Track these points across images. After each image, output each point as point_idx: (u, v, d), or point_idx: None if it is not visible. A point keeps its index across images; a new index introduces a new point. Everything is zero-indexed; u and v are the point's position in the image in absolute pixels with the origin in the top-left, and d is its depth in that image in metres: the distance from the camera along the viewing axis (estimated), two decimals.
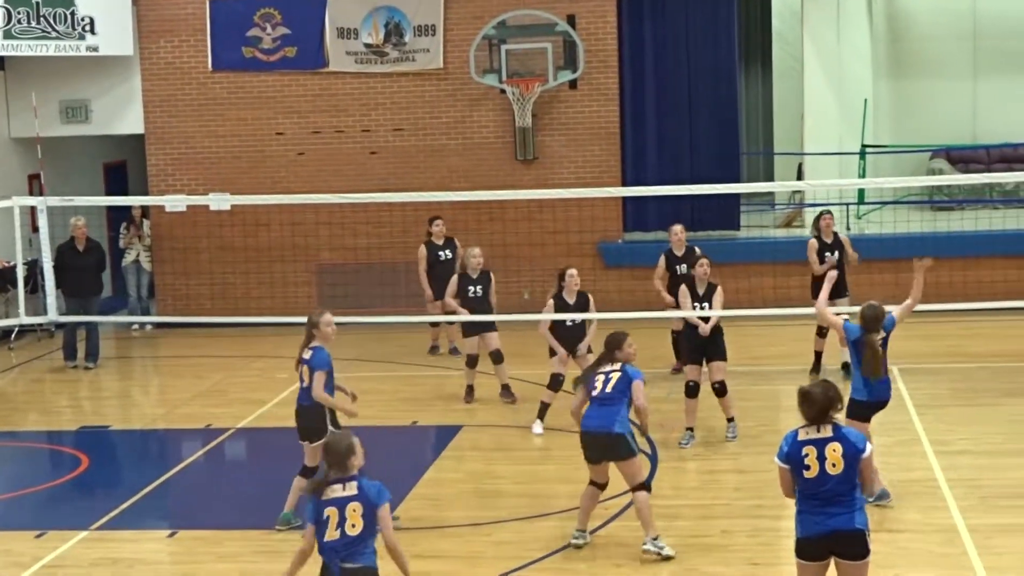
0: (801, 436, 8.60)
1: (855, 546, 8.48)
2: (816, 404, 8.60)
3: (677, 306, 15.73)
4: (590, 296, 15.35)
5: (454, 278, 16.73)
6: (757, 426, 15.10)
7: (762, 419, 15.40)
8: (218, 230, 22.45)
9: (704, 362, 14.62)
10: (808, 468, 8.51)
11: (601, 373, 11.32)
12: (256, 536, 12.03)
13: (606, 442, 11.12)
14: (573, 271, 15.25)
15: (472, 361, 16.68)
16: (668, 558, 11.02)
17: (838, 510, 8.46)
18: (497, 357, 16.51)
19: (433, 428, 15.82)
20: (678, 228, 17.47)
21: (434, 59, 22.00)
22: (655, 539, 11.15)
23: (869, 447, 8.57)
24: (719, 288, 14.83)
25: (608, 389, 11.20)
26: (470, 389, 16.74)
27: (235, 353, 20.27)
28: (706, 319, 14.60)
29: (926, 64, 25.56)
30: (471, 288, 16.54)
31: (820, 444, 8.51)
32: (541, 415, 15.26)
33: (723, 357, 14.63)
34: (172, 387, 18.91)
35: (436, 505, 12.77)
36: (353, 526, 8.20)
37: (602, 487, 11.41)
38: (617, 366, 11.29)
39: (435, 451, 14.70)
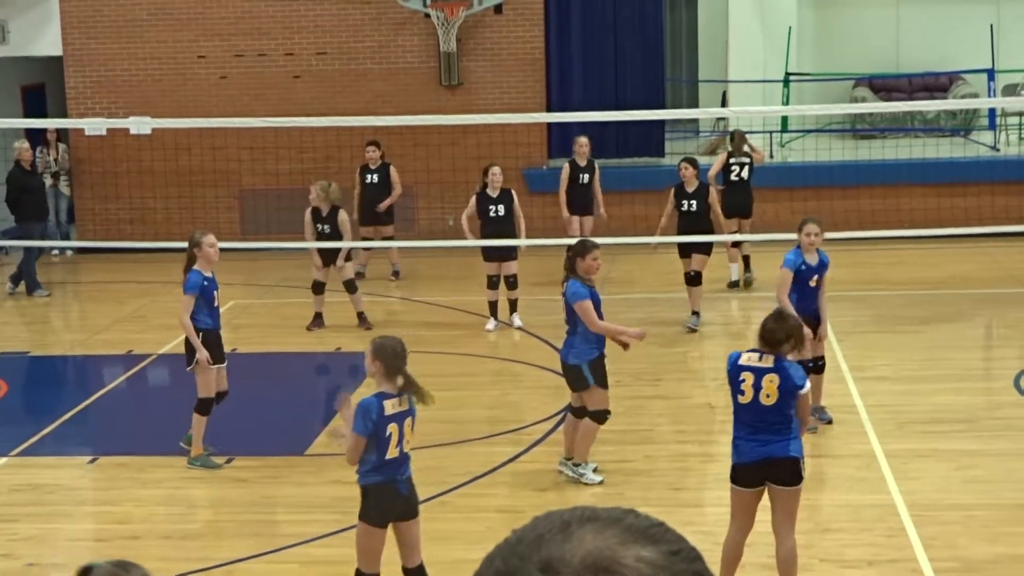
0: (742, 360, 8.70)
1: (788, 473, 8.60)
2: (765, 329, 8.68)
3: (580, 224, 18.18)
4: (514, 193, 16.24)
5: (307, 212, 16.42)
6: (679, 352, 15.23)
7: (685, 345, 15.52)
8: (138, 154, 22.17)
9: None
10: (743, 393, 8.64)
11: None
12: (179, 462, 11.98)
13: (564, 373, 11.13)
14: (496, 168, 16.18)
15: (317, 287, 16.55)
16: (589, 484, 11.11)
17: (772, 438, 8.60)
18: (351, 287, 16.50)
19: (357, 354, 15.74)
20: (583, 140, 18.37)
21: None
22: (576, 465, 11.20)
23: (807, 386, 8.68)
24: (711, 188, 16.08)
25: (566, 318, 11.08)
26: (317, 316, 16.67)
27: (156, 279, 20.06)
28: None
29: None
30: (319, 226, 16.35)
31: (759, 373, 8.60)
32: (493, 313, 16.20)
33: (707, 251, 15.96)
34: (92, 313, 18.75)
35: None
36: (408, 442, 8.26)
37: (575, 412, 11.28)
38: (564, 288, 11.01)
39: (358, 378, 14.66)
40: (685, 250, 16.11)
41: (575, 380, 11.02)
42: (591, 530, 2.04)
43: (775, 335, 8.65)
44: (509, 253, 16.13)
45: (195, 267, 11.71)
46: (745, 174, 17.69)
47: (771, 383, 8.57)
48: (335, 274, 16.44)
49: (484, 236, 16.21)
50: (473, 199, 16.30)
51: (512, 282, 16.17)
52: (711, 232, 16.13)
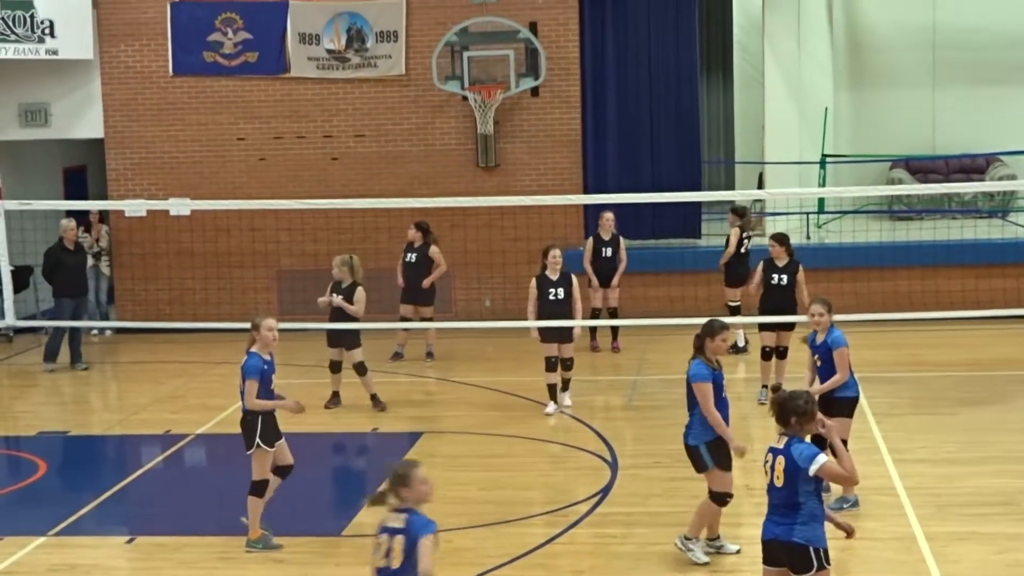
0: (772, 441, 8.72)
1: (794, 559, 8.55)
2: (774, 408, 8.72)
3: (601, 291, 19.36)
4: (574, 278, 16.34)
5: (330, 287, 16.63)
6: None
7: None
8: (178, 235, 22.35)
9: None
10: (766, 474, 8.66)
11: None
12: (216, 542, 11.98)
13: (687, 453, 11.06)
14: (556, 251, 16.24)
15: (333, 367, 16.72)
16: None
17: (781, 520, 8.58)
18: (361, 369, 16.58)
19: (394, 435, 15.80)
20: (609, 215, 19.42)
21: (396, 65, 21.98)
22: (687, 539, 11.07)
23: (817, 463, 8.51)
24: (800, 266, 16.16)
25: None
26: (335, 395, 16.80)
27: (194, 359, 20.19)
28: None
29: (886, 75, 25.70)
30: (335, 295, 16.49)
31: (775, 453, 8.63)
32: (552, 396, 16.19)
33: (792, 327, 16.16)
34: (131, 392, 18.82)
35: None
36: (395, 559, 8.02)
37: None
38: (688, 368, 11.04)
39: (395, 458, 14.65)
40: (771, 327, 16.28)
41: (695, 461, 10.99)
42: None
43: (779, 411, 8.69)
44: (567, 335, 16.15)
45: (253, 349, 11.79)
46: (750, 246, 18.85)
47: (780, 465, 8.57)
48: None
49: (541, 318, 16.21)
50: (533, 282, 16.27)
51: (568, 364, 16.26)
52: (796, 307, 16.11)
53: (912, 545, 11.36)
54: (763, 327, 16.40)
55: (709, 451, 10.87)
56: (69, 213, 23.24)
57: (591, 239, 19.56)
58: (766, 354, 16.34)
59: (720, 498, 10.97)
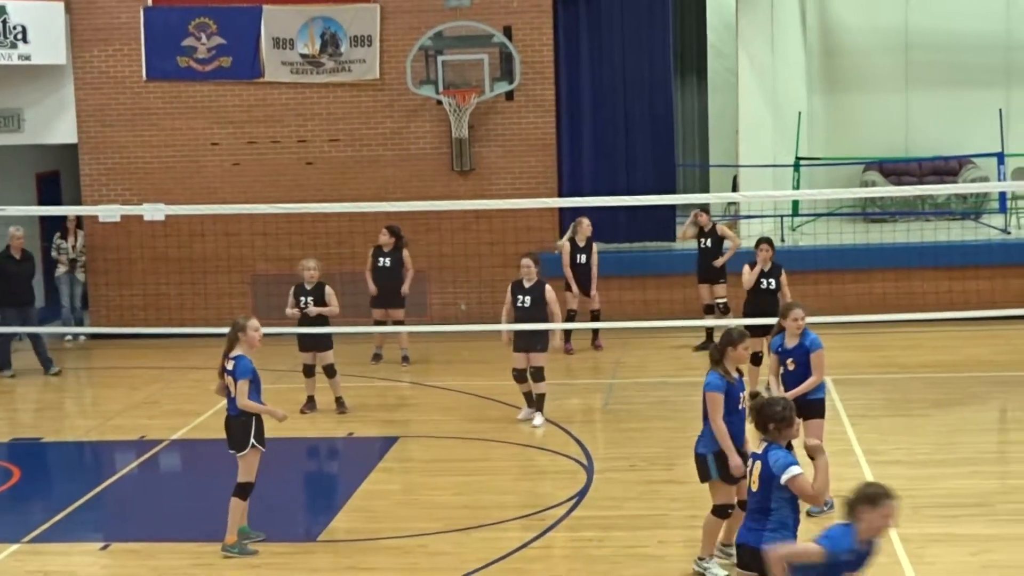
0: (754, 447, 8.75)
1: (763, 565, 8.53)
2: (752, 414, 8.75)
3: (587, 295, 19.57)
4: (549, 288, 15.89)
5: (292, 289, 16.80)
6: (692, 436, 15.14)
7: (697, 430, 15.43)
8: (152, 240, 22.29)
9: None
10: (747, 477, 8.70)
11: None
12: (190, 548, 11.94)
13: (695, 461, 10.94)
14: (526, 259, 15.97)
15: (307, 371, 16.83)
16: None
17: (754, 525, 8.63)
18: (330, 371, 16.67)
19: (369, 439, 15.78)
20: (586, 221, 19.56)
21: (370, 70, 21.95)
22: (701, 559, 10.94)
23: (789, 472, 8.49)
24: (783, 269, 16.29)
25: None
26: (310, 400, 16.84)
27: (169, 364, 20.13)
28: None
29: (859, 78, 25.76)
30: (303, 299, 16.59)
31: (754, 458, 8.66)
32: (529, 404, 15.96)
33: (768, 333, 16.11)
34: (105, 398, 18.75)
35: (371, 518, 12.73)
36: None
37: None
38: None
39: (371, 463, 14.65)
40: (757, 330, 15.88)
41: (699, 470, 10.85)
42: None
43: (758, 418, 8.71)
44: (533, 344, 15.72)
45: (240, 352, 11.75)
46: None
47: (756, 470, 8.61)
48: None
49: (516, 322, 15.89)
50: (509, 288, 16.00)
51: (535, 374, 15.78)
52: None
53: (887, 547, 11.35)
54: (755, 333, 16.06)
55: (716, 462, 10.73)
56: (43, 219, 23.19)
57: (567, 244, 19.56)
58: (755, 359, 15.87)
59: (721, 511, 10.81)
